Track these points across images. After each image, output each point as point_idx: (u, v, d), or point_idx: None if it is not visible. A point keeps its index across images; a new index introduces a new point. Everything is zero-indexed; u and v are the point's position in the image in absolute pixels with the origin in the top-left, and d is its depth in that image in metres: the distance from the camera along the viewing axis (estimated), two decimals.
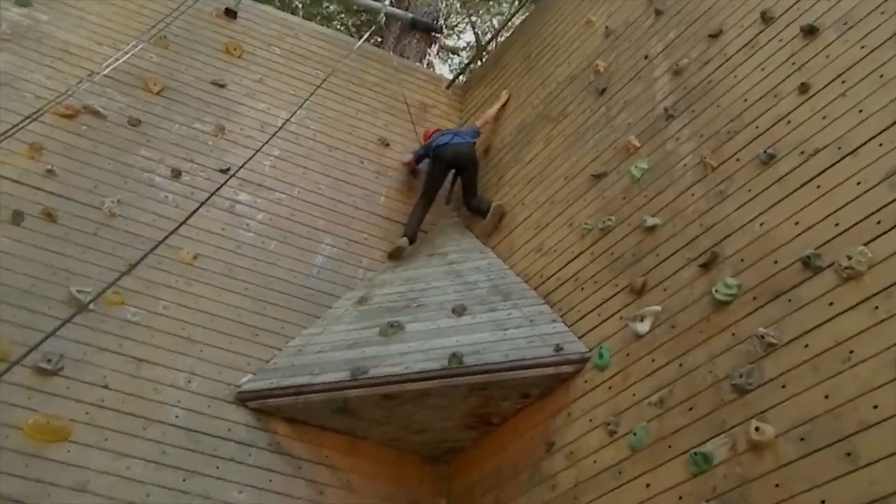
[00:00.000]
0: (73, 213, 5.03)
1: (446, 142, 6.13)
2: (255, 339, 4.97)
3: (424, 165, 6.40)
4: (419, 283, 5.37)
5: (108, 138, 5.52)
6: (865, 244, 3.06)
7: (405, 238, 5.88)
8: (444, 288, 5.24)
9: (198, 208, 4.25)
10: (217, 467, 4.42)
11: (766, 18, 4.24)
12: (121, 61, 5.71)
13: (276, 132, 5.48)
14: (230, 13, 6.82)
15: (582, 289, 4.60)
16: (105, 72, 5.61)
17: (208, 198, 4.39)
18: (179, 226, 4.05)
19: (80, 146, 5.39)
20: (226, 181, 4.75)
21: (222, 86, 6.26)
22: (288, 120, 5.74)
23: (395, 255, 5.81)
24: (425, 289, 5.29)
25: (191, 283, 5.05)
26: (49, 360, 4.33)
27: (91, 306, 4.59)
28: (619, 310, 4.23)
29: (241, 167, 4.87)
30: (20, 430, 4.10)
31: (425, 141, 6.50)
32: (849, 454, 2.71)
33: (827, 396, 2.91)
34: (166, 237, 3.85)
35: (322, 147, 6.29)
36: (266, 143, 5.21)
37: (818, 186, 3.43)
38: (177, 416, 4.48)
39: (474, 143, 6.27)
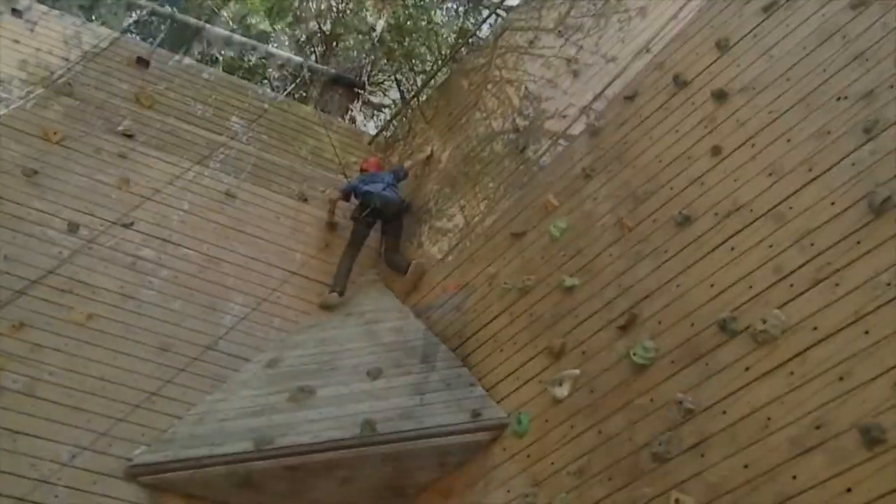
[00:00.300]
0: None
1: (377, 191, 5.98)
2: (151, 406, 4.59)
3: (348, 210, 6.23)
4: (333, 345, 5.13)
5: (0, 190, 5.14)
6: (779, 307, 3.02)
7: (335, 293, 5.70)
8: (359, 350, 5.01)
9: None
10: None
11: (679, 82, 4.29)
12: (15, 106, 5.37)
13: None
14: (142, 62, 6.56)
15: (501, 350, 4.46)
16: None
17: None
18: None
19: None
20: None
21: (130, 136, 5.96)
22: (187, 170, 5.49)
23: (326, 309, 5.66)
24: (339, 350, 5.05)
25: (82, 345, 4.66)
26: None
27: None
28: (539, 373, 4.10)
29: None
30: None
31: (361, 173, 6.43)
32: None
33: (746, 466, 2.83)
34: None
35: (236, 202, 6.03)
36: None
37: (732, 248, 3.41)
38: (57, 496, 4.04)
39: (400, 196, 6.16)
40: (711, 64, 4.16)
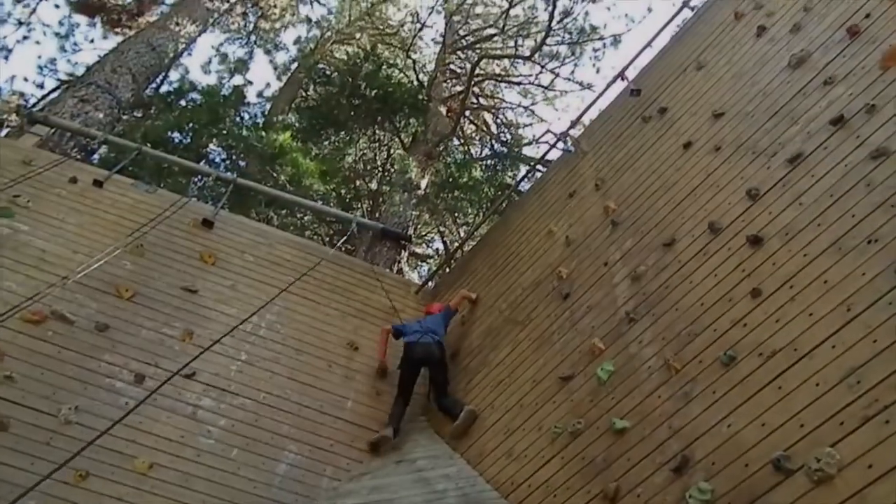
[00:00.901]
0: (26, 420, 4.86)
1: (416, 340, 6.21)
2: None
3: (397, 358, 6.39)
4: (386, 493, 5.14)
5: (73, 343, 5.48)
6: (832, 445, 3.05)
7: (390, 428, 5.83)
8: (411, 498, 5.01)
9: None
10: None
11: (714, 229, 4.53)
12: (94, 267, 5.82)
13: (231, 331, 5.52)
14: (207, 223, 7.09)
15: (554, 496, 4.43)
16: (77, 277, 5.71)
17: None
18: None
19: (43, 352, 5.33)
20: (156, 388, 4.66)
21: (194, 291, 6.36)
22: (245, 320, 5.78)
23: (378, 447, 5.74)
24: (392, 499, 5.05)
25: (143, 495, 4.77)
26: None
27: None
28: None
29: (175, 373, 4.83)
30: None
31: (425, 315, 6.77)
32: None
33: None
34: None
35: (290, 351, 6.29)
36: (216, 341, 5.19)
37: (779, 388, 3.48)
38: None
39: (440, 342, 6.31)
40: (744, 212, 4.41)
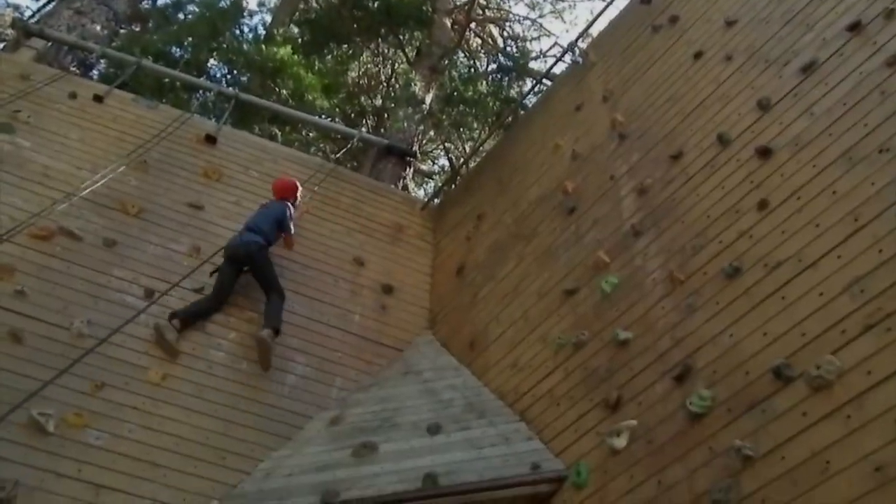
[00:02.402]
0: (40, 333, 4.95)
1: (237, 242, 5.79)
2: (222, 462, 4.79)
3: None
4: (393, 403, 5.28)
5: (82, 259, 5.52)
6: (833, 353, 3.09)
7: (177, 320, 5.33)
8: (418, 407, 5.15)
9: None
10: None
11: (723, 140, 4.47)
12: (99, 184, 5.81)
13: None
14: (210, 139, 7.02)
15: (557, 405, 4.55)
16: (83, 194, 5.71)
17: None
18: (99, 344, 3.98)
19: (52, 267, 5.38)
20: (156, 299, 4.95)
21: (199, 208, 6.36)
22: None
23: (162, 335, 5.20)
24: (399, 407, 5.19)
25: (158, 404, 4.91)
26: (3, 489, 4.12)
27: (51, 429, 4.45)
28: (596, 425, 4.17)
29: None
30: None
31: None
32: None
33: None
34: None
35: (297, 266, 6.33)
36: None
37: (783, 298, 3.50)
38: None
39: (260, 243, 5.78)
40: (754, 123, 4.34)
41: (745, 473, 3.19)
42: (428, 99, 10.81)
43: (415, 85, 10.45)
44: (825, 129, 3.84)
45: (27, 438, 4.40)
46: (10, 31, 8.53)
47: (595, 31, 7.46)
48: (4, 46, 8.13)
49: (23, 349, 4.82)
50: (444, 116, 10.90)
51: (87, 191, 5.76)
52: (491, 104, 10.84)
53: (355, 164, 10.60)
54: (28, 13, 12.17)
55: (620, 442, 3.90)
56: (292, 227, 6.19)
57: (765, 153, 4.12)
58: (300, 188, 6.56)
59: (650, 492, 3.60)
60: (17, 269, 5.23)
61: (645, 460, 3.73)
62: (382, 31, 12.14)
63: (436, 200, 8.12)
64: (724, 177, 4.33)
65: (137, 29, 12.20)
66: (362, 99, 12.41)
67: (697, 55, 5.22)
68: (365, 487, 4.38)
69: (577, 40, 7.25)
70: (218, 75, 11.74)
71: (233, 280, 5.78)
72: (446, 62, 11.46)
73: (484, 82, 11.79)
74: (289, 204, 6.30)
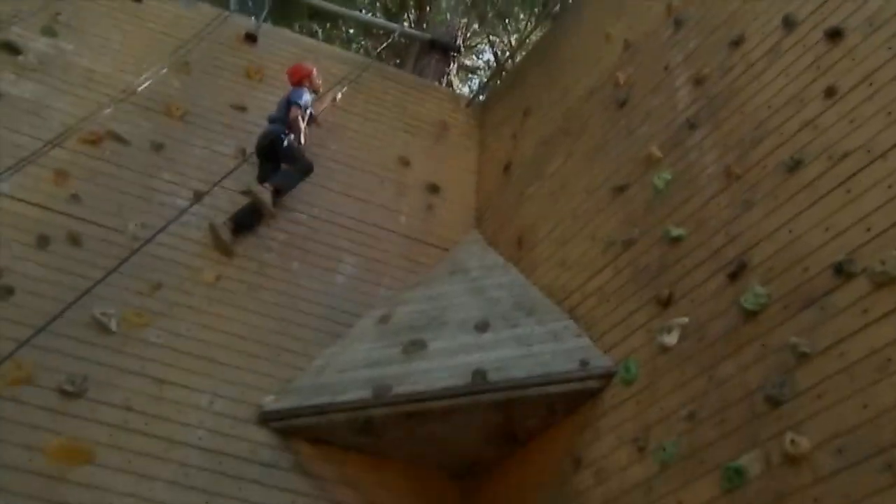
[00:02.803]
0: (97, 236, 5.07)
1: (259, 136, 5.84)
2: (277, 358, 4.95)
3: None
4: (441, 301, 5.32)
5: (132, 163, 5.58)
6: None
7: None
8: (466, 305, 5.19)
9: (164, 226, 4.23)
10: (240, 489, 4.39)
11: (789, 23, 4.17)
12: (142, 87, 5.78)
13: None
14: (250, 38, 6.89)
15: (607, 302, 4.52)
16: (128, 98, 5.69)
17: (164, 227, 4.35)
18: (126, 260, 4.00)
19: (103, 171, 5.45)
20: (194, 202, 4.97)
21: (243, 109, 6.31)
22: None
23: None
24: (447, 306, 5.24)
25: (213, 303, 5.05)
26: (73, 383, 4.34)
27: (114, 328, 4.63)
28: (645, 322, 4.15)
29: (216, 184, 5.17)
30: (43, 452, 4.10)
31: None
32: (890, 466, 2.60)
33: (865, 406, 2.81)
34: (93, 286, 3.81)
35: (342, 167, 6.30)
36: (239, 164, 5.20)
37: (848, 191, 3.33)
38: (199, 438, 4.46)
39: (280, 133, 5.76)
40: (824, 2, 4.02)
41: (801, 369, 3.13)
42: None
43: None
44: None
45: (93, 337, 4.59)
46: None
47: None
48: None
49: (81, 251, 4.96)
50: (488, 7, 10.46)
51: (132, 95, 5.74)
52: None
53: (398, 61, 10.35)
54: None
55: (671, 339, 3.87)
56: (302, 105, 5.95)
57: (835, 35, 3.83)
58: (312, 74, 6.30)
59: (701, 387, 3.60)
60: (70, 173, 5.31)
61: (696, 357, 3.71)
62: None
63: (481, 97, 7.90)
64: (788, 63, 4.06)
65: None
66: None
67: None
68: (415, 382, 4.49)
69: None
70: None
71: (267, 167, 5.77)
72: None
73: None
74: (305, 89, 6.11)
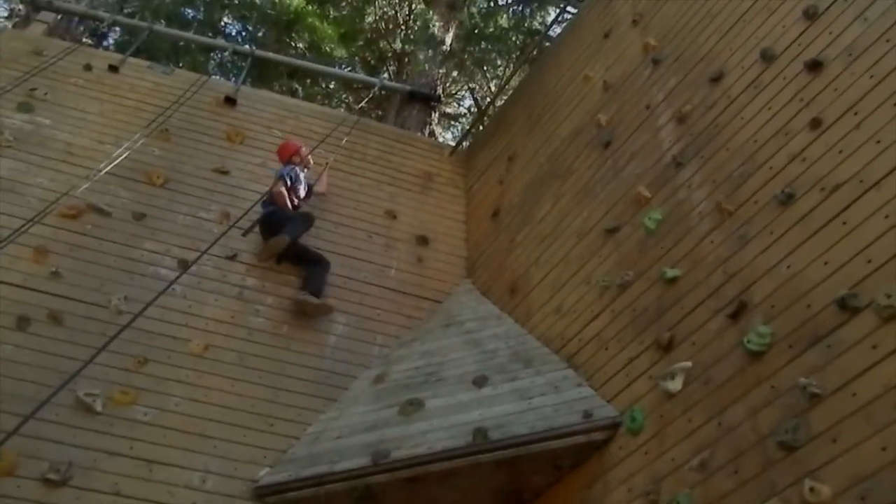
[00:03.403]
0: (79, 313, 4.93)
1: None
2: (270, 429, 4.77)
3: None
4: (436, 357, 5.19)
5: (113, 235, 5.48)
6: None
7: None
8: (462, 359, 5.05)
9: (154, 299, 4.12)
10: None
11: (767, 57, 4.15)
12: (122, 158, 5.72)
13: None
14: (229, 101, 6.87)
15: (606, 349, 4.40)
16: (107, 169, 5.62)
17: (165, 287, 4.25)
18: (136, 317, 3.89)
19: (85, 245, 5.34)
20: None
21: (225, 172, 6.25)
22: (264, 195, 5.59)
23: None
24: (443, 361, 5.10)
25: (202, 375, 4.89)
26: (57, 471, 4.16)
27: (99, 409, 4.46)
28: (648, 368, 4.02)
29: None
30: None
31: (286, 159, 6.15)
32: None
33: (884, 448, 2.68)
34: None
35: (329, 224, 6.21)
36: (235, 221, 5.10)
37: (844, 223, 3.26)
38: None
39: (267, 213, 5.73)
40: (801, 34, 4.01)
41: (813, 412, 3.01)
42: (448, 38, 10.45)
43: (433, 25, 10.08)
44: (881, 35, 3.51)
45: (77, 419, 4.42)
46: (20, 7, 8.40)
47: None
48: (15, 24, 8.00)
49: (63, 330, 4.82)
50: (466, 55, 10.53)
51: (111, 165, 5.67)
52: (514, 38, 10.43)
53: (380, 112, 10.36)
54: None
55: (675, 385, 3.74)
56: (289, 178, 5.91)
57: (815, 67, 3.81)
58: (300, 150, 6.26)
59: (711, 434, 3.46)
60: (50, 250, 5.21)
61: (703, 402, 3.58)
62: None
63: (464, 144, 7.88)
64: (770, 96, 4.03)
65: None
66: (381, 44, 12.05)
67: None
68: (415, 446, 4.32)
69: None
70: (233, 33, 11.51)
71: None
72: None
73: (505, 15, 11.34)
74: (293, 167, 6.04)
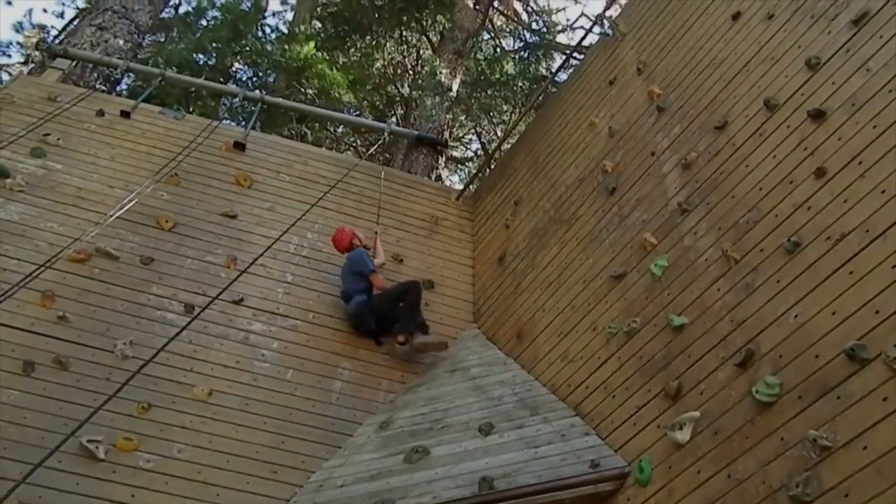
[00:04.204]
0: (84, 358, 4.93)
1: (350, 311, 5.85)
2: (273, 476, 4.71)
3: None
4: (442, 403, 5.14)
5: (120, 279, 5.50)
6: None
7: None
8: (468, 406, 5.00)
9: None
10: None
11: (771, 106, 4.19)
12: (132, 203, 5.77)
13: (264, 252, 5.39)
14: (238, 146, 6.95)
15: (613, 397, 4.35)
16: (116, 214, 5.67)
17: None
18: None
19: (92, 289, 5.36)
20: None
21: (233, 217, 6.29)
22: (278, 238, 5.62)
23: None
24: (449, 408, 5.05)
25: (206, 421, 4.85)
26: None
27: (102, 456, 4.42)
28: (656, 417, 3.97)
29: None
30: None
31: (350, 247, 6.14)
32: None
33: None
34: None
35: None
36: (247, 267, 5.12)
37: (850, 273, 3.25)
38: None
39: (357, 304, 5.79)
40: (803, 84, 4.05)
41: (824, 465, 2.96)
42: (455, 85, 10.58)
43: (440, 72, 10.22)
44: (884, 86, 3.55)
45: (79, 467, 4.38)
46: (35, 53, 8.57)
47: None
48: (31, 70, 8.16)
49: (69, 375, 4.81)
50: (472, 101, 10.66)
51: (121, 210, 5.72)
52: (520, 84, 10.56)
53: (387, 156, 10.46)
54: (54, 32, 12.31)
55: (683, 435, 3.69)
56: (372, 265, 5.94)
57: (818, 116, 3.84)
58: (355, 233, 6.20)
59: (721, 487, 3.39)
60: (57, 294, 5.22)
61: (712, 453, 3.52)
62: (405, 17, 11.92)
63: (471, 188, 7.93)
64: (774, 145, 4.06)
65: (161, 39, 12.21)
66: (389, 89, 12.23)
67: (736, 16, 4.92)
68: (420, 495, 4.25)
69: (604, 11, 6.96)
70: (244, 78, 11.70)
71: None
72: (471, 45, 11.19)
73: (511, 62, 11.50)
74: (360, 251, 6.02)
